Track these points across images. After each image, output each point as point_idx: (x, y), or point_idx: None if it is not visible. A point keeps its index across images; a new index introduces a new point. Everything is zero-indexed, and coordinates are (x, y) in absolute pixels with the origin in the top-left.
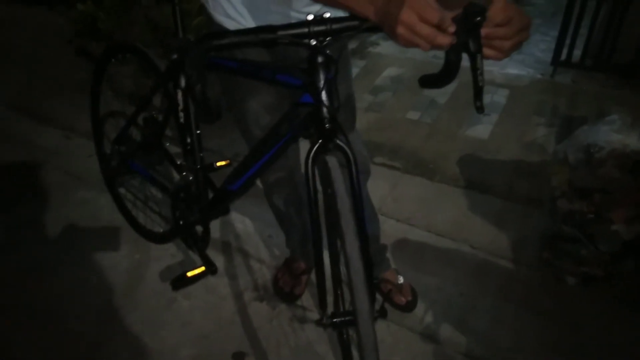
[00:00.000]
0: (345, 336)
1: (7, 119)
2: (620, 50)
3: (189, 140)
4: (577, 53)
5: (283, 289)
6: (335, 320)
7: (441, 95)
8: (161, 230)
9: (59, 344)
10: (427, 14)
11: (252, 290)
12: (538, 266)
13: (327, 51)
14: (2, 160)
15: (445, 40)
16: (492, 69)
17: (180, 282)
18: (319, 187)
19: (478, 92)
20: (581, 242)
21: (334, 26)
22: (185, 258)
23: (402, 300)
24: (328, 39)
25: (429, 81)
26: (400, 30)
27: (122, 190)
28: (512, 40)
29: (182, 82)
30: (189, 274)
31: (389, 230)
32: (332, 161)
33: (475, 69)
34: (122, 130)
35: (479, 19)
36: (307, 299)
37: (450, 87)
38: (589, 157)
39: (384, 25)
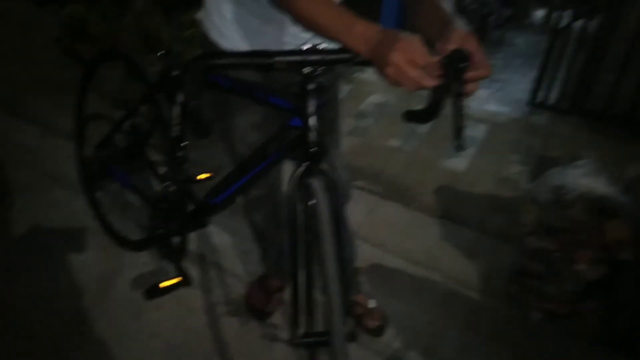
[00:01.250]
0: (313, 357)
1: None
2: (595, 96)
3: (179, 153)
4: (553, 95)
5: (255, 306)
6: (307, 340)
7: (422, 125)
8: (137, 239)
9: (23, 349)
10: (416, 57)
11: (224, 305)
12: (505, 300)
13: (319, 79)
14: None
15: (430, 82)
16: (472, 104)
17: (153, 292)
18: (300, 208)
19: (458, 132)
20: (547, 279)
21: (328, 57)
22: (158, 267)
23: (372, 324)
24: (321, 68)
25: (413, 116)
26: (390, 70)
27: (99, 195)
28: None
29: (180, 98)
30: (163, 284)
31: (364, 254)
32: (316, 184)
33: (456, 110)
34: (106, 135)
35: (464, 64)
36: (279, 318)
37: None
38: (558, 198)
39: (374, 63)
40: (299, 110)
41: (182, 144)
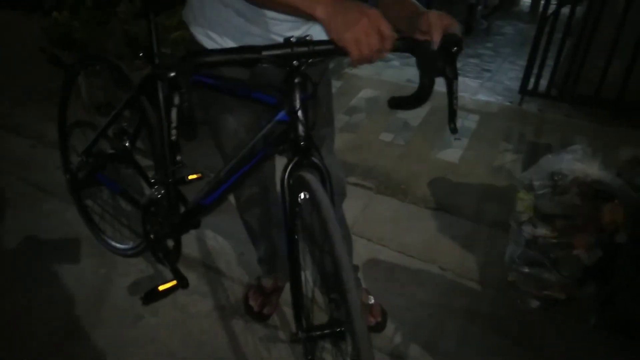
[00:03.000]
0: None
1: None
2: (584, 82)
3: (177, 157)
4: (543, 83)
5: (253, 308)
6: (309, 334)
7: (414, 118)
8: (130, 244)
9: None
10: (381, 25)
11: (222, 309)
12: (504, 288)
13: (304, 72)
14: None
15: (384, 53)
16: (463, 94)
17: (151, 296)
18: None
19: (452, 115)
20: (544, 267)
21: (316, 48)
22: (154, 272)
23: (372, 320)
24: (310, 60)
25: (399, 103)
26: (349, 36)
27: (89, 203)
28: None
29: (177, 99)
30: (161, 287)
31: (361, 249)
32: (309, 176)
33: (451, 94)
34: (92, 142)
35: (455, 48)
36: (278, 318)
37: (423, 111)
38: (553, 184)
39: (330, 27)
40: (285, 104)
41: (175, 146)
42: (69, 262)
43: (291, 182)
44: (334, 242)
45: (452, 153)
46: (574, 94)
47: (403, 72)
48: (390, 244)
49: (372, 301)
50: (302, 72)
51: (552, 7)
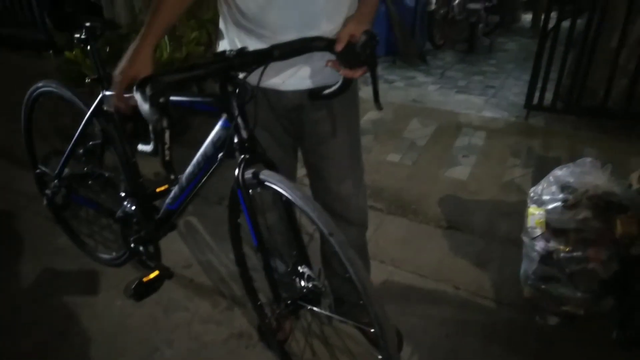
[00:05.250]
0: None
1: None
2: (589, 93)
3: (172, 175)
4: (548, 96)
5: (268, 334)
6: (291, 303)
7: (420, 137)
8: (114, 254)
9: None
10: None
11: (237, 337)
12: (520, 305)
13: (238, 79)
14: None
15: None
16: (469, 112)
17: (140, 289)
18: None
19: (377, 95)
20: (560, 282)
21: (252, 58)
22: (169, 304)
23: None
24: (248, 68)
25: (321, 94)
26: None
27: (74, 223)
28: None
29: (165, 122)
30: (145, 279)
31: (374, 271)
32: (265, 172)
33: (374, 78)
34: (60, 166)
35: (374, 42)
36: (294, 345)
37: (429, 130)
38: (564, 198)
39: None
40: (225, 111)
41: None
42: (85, 295)
43: (245, 179)
44: (315, 215)
45: (461, 171)
46: (580, 106)
47: (408, 93)
48: (403, 264)
49: None
50: (235, 80)
51: (553, 22)
